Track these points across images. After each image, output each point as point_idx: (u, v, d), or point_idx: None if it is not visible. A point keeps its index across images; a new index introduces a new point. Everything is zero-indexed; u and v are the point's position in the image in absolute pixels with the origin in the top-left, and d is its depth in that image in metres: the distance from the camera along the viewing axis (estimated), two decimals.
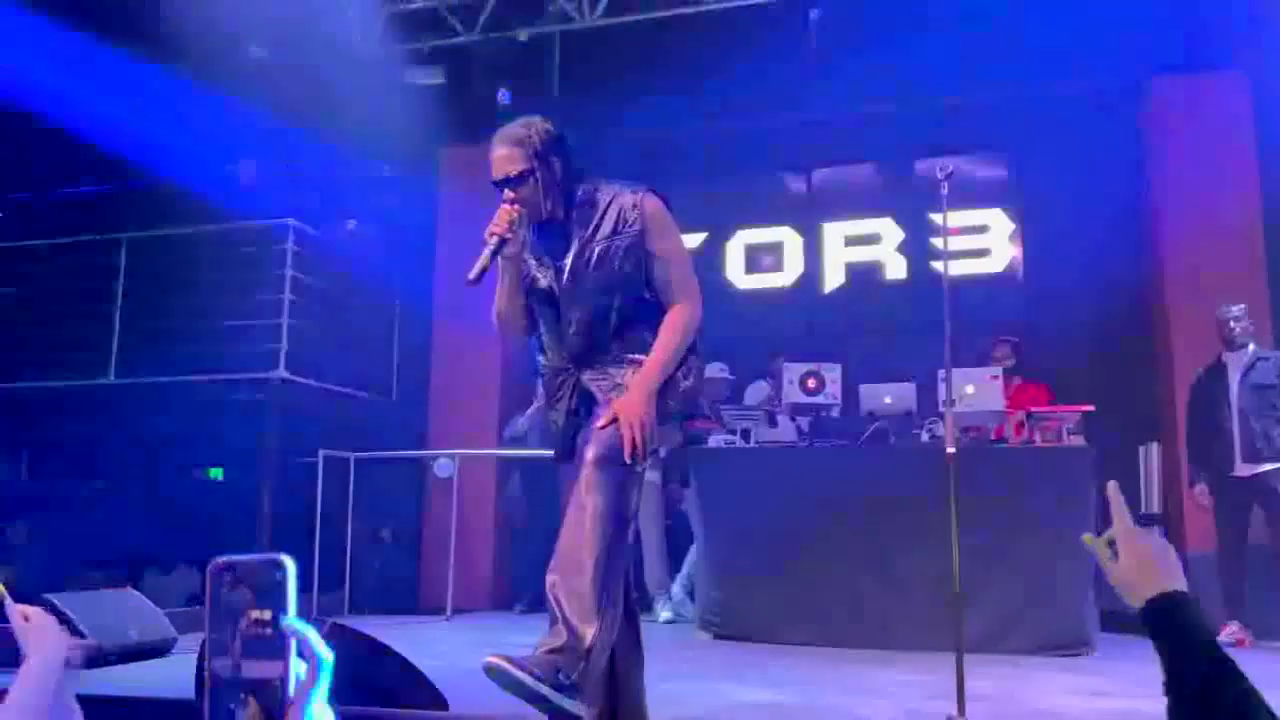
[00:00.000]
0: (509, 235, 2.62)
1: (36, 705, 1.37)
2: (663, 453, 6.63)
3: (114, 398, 7.34)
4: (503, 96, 7.67)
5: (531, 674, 2.30)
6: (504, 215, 2.62)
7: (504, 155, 2.68)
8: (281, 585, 0.95)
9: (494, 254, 2.61)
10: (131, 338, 7.36)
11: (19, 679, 1.39)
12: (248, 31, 7.31)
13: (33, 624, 1.46)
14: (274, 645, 0.93)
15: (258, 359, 6.97)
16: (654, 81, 7.55)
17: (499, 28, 7.53)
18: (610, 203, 2.71)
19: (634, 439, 2.52)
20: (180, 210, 7.72)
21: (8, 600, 1.53)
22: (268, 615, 0.94)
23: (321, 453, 6.95)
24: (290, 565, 0.95)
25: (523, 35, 7.42)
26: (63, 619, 4.37)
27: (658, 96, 7.73)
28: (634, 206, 2.70)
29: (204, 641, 0.99)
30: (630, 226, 2.68)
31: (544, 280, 2.73)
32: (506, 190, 2.66)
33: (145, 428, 7.88)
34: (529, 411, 6.97)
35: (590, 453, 2.55)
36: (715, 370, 6.62)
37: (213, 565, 0.96)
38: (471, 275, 2.59)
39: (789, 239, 8.17)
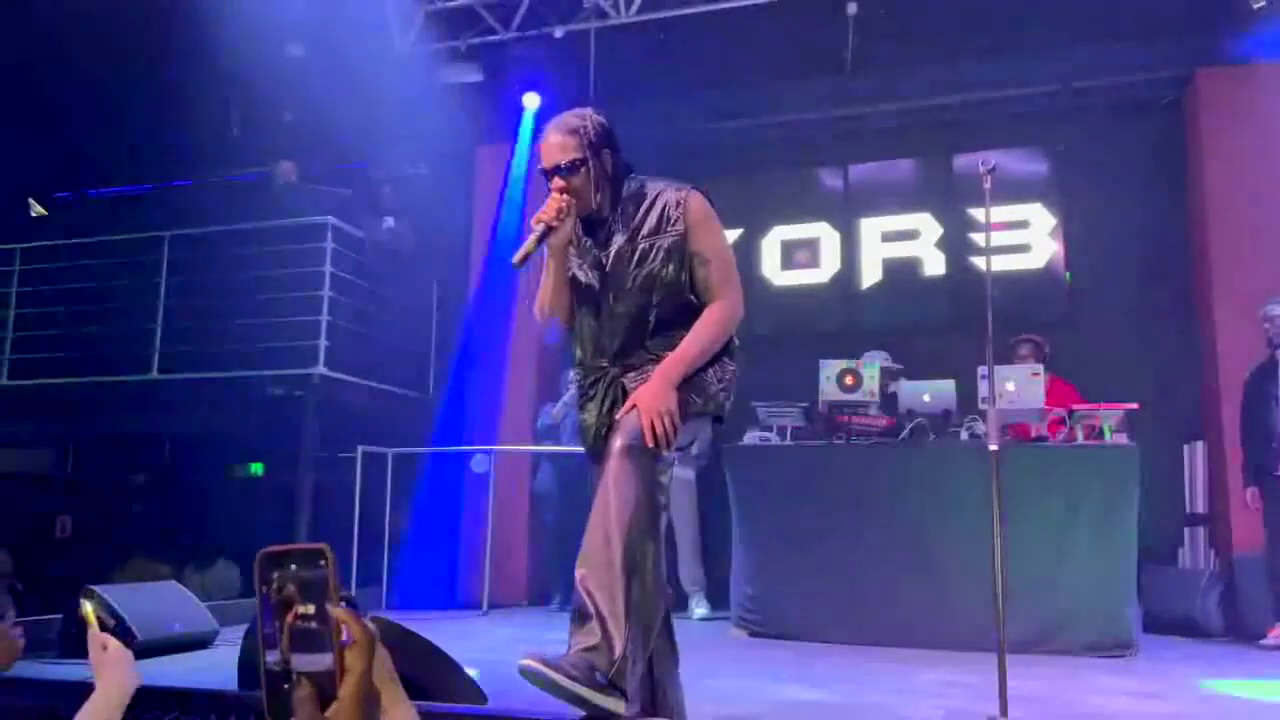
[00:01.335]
0: (556, 224, 2.60)
1: None
2: (695, 450, 6.59)
3: (156, 394, 7.44)
4: (530, 100, 7.70)
5: (567, 674, 2.28)
6: (553, 203, 2.61)
7: (557, 143, 2.66)
8: (323, 576, 0.95)
9: (539, 240, 2.59)
10: (174, 335, 7.46)
11: (89, 705, 1.43)
12: (286, 29, 7.37)
13: (109, 655, 1.50)
14: (321, 638, 0.94)
15: (297, 356, 7.04)
16: (690, 77, 7.53)
17: (535, 25, 7.54)
18: (655, 200, 2.69)
19: (653, 425, 2.48)
20: (222, 208, 7.81)
21: (92, 629, 1.57)
22: (312, 609, 0.95)
23: (360, 449, 7.00)
24: (330, 555, 0.96)
25: (559, 32, 7.43)
26: (109, 610, 4.44)
27: (694, 92, 7.71)
28: (678, 205, 2.66)
29: (247, 631, 1.01)
30: (673, 225, 2.65)
31: (585, 276, 2.71)
32: (556, 179, 2.65)
33: (187, 424, 7.98)
34: (562, 400, 6.99)
35: (616, 443, 2.51)
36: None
37: (260, 556, 0.97)
38: (515, 259, 2.58)
39: (825, 235, 8.10)
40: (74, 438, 9.18)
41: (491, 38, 7.71)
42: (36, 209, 9.94)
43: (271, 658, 0.95)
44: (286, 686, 0.95)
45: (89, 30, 7.63)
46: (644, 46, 7.37)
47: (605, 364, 2.71)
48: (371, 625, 0.97)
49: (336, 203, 7.60)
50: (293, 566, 0.96)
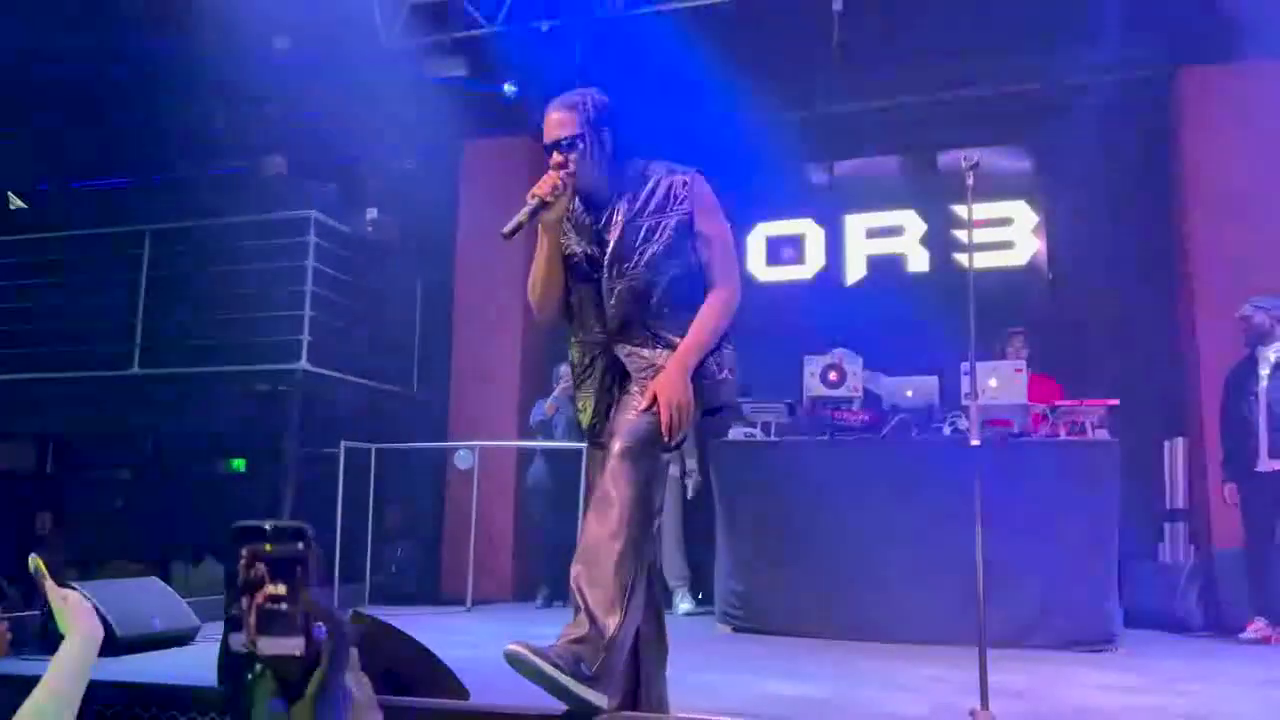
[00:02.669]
0: (550, 199, 2.60)
1: (78, 676, 1.44)
2: (690, 459, 6.64)
3: (138, 389, 7.38)
4: (509, 91, 7.67)
5: (552, 663, 2.29)
6: (549, 179, 2.62)
7: (557, 119, 2.70)
8: (299, 556, 0.91)
9: (532, 214, 2.60)
10: (155, 329, 7.40)
11: (61, 653, 1.44)
12: (271, 22, 7.32)
13: (73, 604, 1.51)
14: (291, 621, 0.90)
15: (280, 351, 7.00)
16: (676, 73, 7.51)
17: (521, 19, 7.51)
18: (660, 180, 2.72)
19: (671, 419, 2.51)
20: (204, 202, 7.76)
21: (47, 581, 1.56)
22: (283, 590, 0.90)
23: (343, 444, 6.97)
24: (311, 537, 0.92)
25: (545, 26, 7.41)
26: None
27: (680, 88, 7.69)
28: (684, 185, 2.71)
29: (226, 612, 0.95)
30: (680, 204, 2.68)
31: (584, 250, 2.71)
32: (555, 154, 2.66)
33: (169, 419, 7.93)
34: (554, 394, 6.98)
35: (617, 444, 2.52)
36: None
37: (234, 530, 0.92)
38: (506, 230, 2.58)
39: (810, 231, 8.12)
40: (54, 433, 9.10)
41: (477, 31, 7.68)
42: (15, 201, 9.85)
43: (236, 640, 0.90)
44: (250, 677, 0.90)
45: (72, 22, 7.56)
46: (630, 41, 7.35)
47: (603, 339, 2.71)
48: (350, 626, 0.93)
49: (321, 197, 7.56)
50: (267, 543, 0.91)
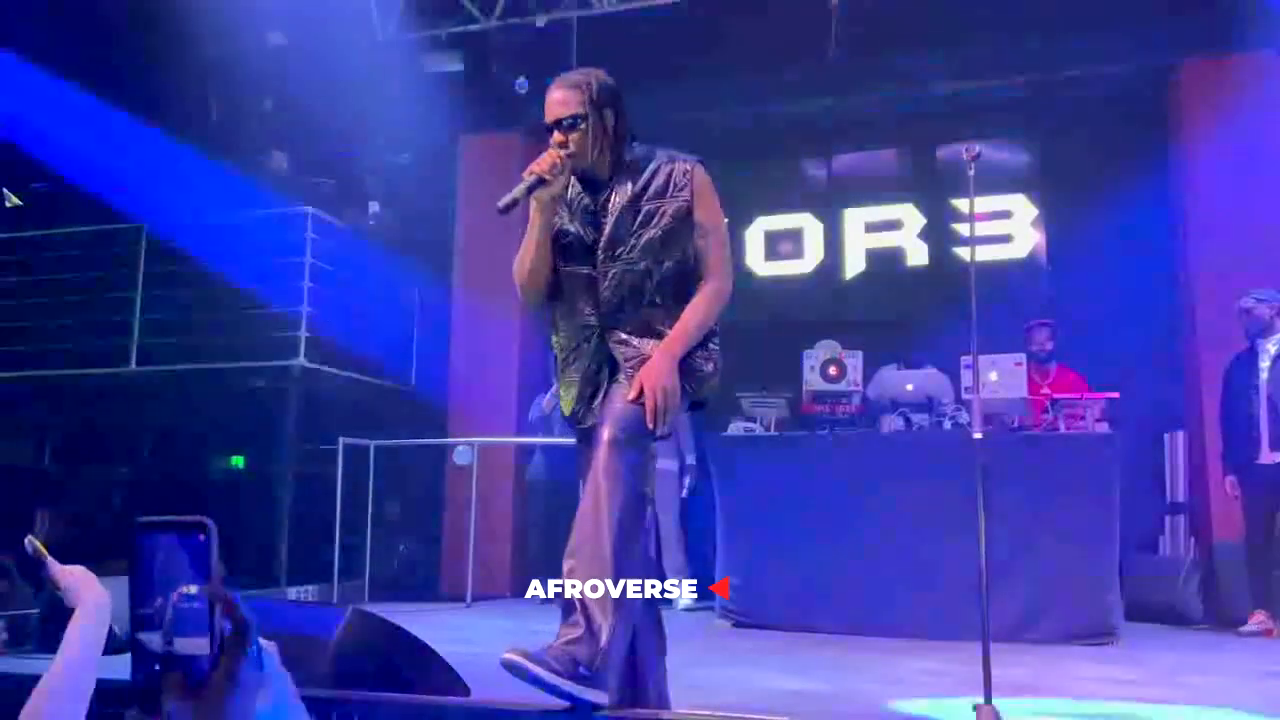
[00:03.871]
0: (549, 177, 2.58)
1: (93, 644, 1.48)
2: (689, 455, 6.64)
3: (135, 386, 7.37)
4: (520, 85, 7.64)
5: (550, 668, 2.28)
6: (549, 156, 2.59)
7: (559, 98, 2.66)
8: (205, 553, 0.92)
9: (529, 190, 2.57)
10: (152, 326, 7.39)
11: (76, 621, 1.48)
12: (267, 18, 7.30)
13: (79, 576, 1.55)
14: (201, 619, 0.91)
15: (278, 347, 6.98)
16: (673, 67, 7.49)
17: (517, 13, 7.49)
18: (661, 166, 2.69)
19: (656, 406, 2.48)
20: (200, 198, 7.74)
21: (49, 559, 1.57)
22: (194, 589, 0.91)
23: (341, 440, 6.96)
24: (211, 530, 0.92)
25: (541, 21, 7.39)
26: None
27: (676, 82, 7.68)
28: (685, 174, 2.67)
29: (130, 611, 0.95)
30: (680, 192, 2.65)
31: (577, 229, 2.67)
32: (556, 133, 2.64)
33: (166, 416, 7.92)
34: (552, 389, 6.96)
35: (605, 434, 2.50)
36: None
37: (138, 525, 0.93)
38: (501, 204, 2.55)
39: (809, 225, 8.11)
40: (52, 430, 9.09)
41: (473, 26, 7.65)
42: (12, 199, 9.82)
43: (150, 639, 0.91)
44: (158, 668, 0.91)
45: (67, 17, 7.54)
46: (626, 36, 7.34)
47: (594, 324, 2.68)
48: (249, 615, 0.92)
49: (318, 192, 7.55)
50: (174, 538, 0.92)
